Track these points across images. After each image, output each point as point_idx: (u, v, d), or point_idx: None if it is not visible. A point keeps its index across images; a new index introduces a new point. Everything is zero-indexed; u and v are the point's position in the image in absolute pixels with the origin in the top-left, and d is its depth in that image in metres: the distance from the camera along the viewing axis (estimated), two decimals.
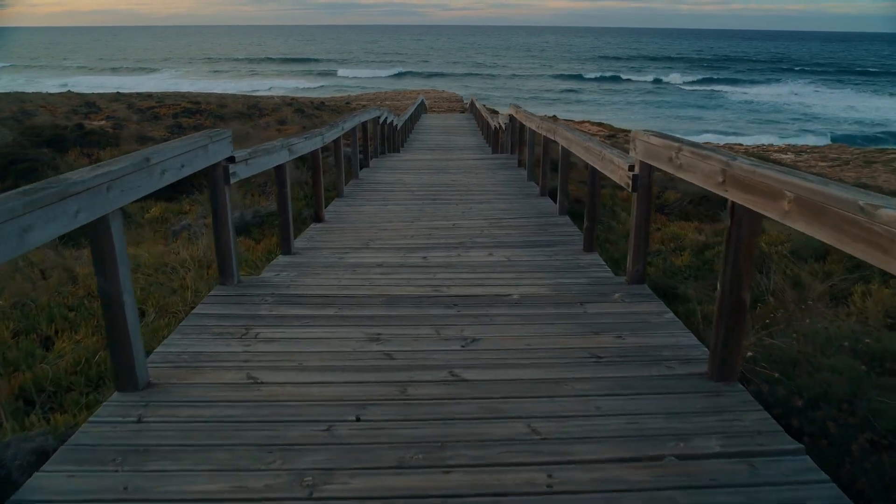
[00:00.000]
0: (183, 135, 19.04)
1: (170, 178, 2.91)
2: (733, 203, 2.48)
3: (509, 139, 11.52)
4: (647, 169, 3.62)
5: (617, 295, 3.75)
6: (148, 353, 2.98)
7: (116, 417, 2.46)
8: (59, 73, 66.11)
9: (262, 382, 2.71)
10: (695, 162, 2.78)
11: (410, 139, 16.27)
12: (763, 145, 28.70)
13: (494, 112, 22.17)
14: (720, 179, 2.53)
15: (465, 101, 33.87)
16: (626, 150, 3.93)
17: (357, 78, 60.63)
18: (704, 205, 9.70)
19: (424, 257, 4.94)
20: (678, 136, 3.34)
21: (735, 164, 2.42)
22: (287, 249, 5.08)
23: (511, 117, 10.85)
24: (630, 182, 3.68)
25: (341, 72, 66.66)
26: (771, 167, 2.21)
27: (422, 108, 24.18)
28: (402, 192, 7.89)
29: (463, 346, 3.06)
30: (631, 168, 3.70)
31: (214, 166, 3.56)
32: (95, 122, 20.71)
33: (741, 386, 2.66)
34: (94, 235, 2.38)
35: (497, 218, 6.38)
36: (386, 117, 11.84)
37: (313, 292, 3.88)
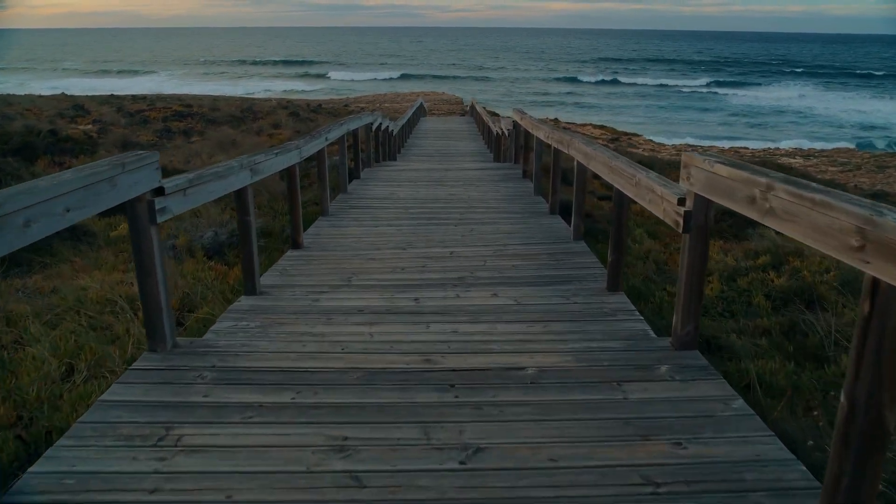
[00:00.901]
0: (173, 140, 18.21)
1: (45, 230, 2.04)
2: (876, 280, 1.62)
3: (513, 147, 10.66)
4: (705, 205, 2.75)
5: (664, 368, 2.87)
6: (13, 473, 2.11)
7: None
8: (55, 75, 65.28)
9: None
10: (801, 210, 1.90)
11: (408, 144, 15.43)
12: (769, 148, 27.98)
13: (495, 115, 21.33)
14: (855, 243, 1.66)
15: (465, 104, 33.03)
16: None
17: (356, 80, 59.72)
18: (727, 220, 8.84)
19: (416, 300, 4.08)
20: (755, 165, 2.47)
21: (887, 224, 1.55)
22: (251, 288, 4.22)
23: (515, 124, 9.99)
24: (680, 221, 2.81)
25: (340, 74, 65.70)
26: None
27: (421, 111, 23.33)
28: (394, 210, 7.03)
29: (462, 463, 2.18)
30: (681, 202, 2.84)
31: (134, 202, 2.69)
32: (81, 127, 19.88)
33: None
34: None
35: (502, 244, 5.52)
36: (380, 123, 10.98)
37: (268, 364, 2.98)
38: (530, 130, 8.10)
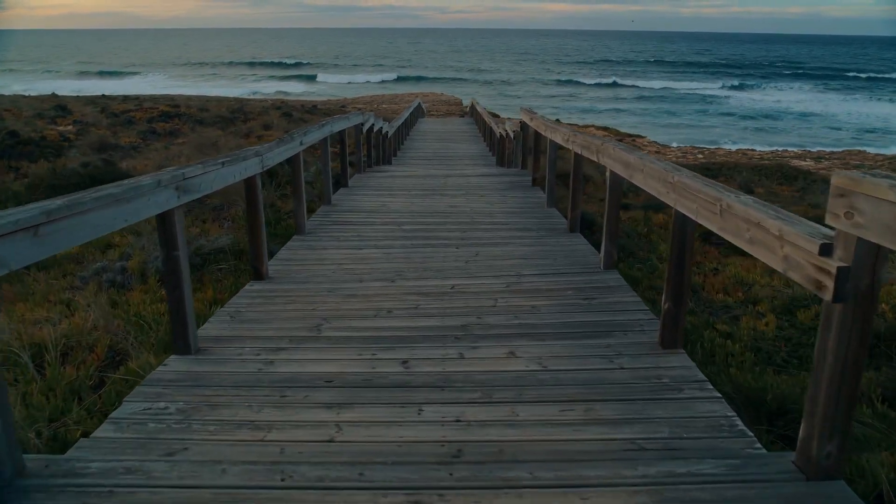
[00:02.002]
0: (156, 142, 17.04)
1: None
2: None
3: (519, 150, 9.58)
4: (873, 257, 1.67)
5: None
6: None
7: None
8: (49, 75, 64.24)
9: None
10: None
11: (405, 146, 14.34)
12: (776, 150, 27.01)
13: (496, 116, 20.29)
14: None
15: (464, 105, 31.95)
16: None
17: (353, 82, 58.59)
18: None
19: (404, 362, 3.01)
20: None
21: None
22: (184, 346, 3.13)
23: (523, 125, 8.90)
24: (828, 283, 1.72)
25: (337, 75, 64.54)
26: None
27: (419, 112, 22.23)
28: (384, 226, 5.94)
29: None
30: (825, 250, 1.74)
31: None
32: (59, 128, 18.82)
33: None
34: None
35: (515, 274, 4.43)
36: (372, 124, 9.89)
37: None
38: (543, 132, 7.01)
